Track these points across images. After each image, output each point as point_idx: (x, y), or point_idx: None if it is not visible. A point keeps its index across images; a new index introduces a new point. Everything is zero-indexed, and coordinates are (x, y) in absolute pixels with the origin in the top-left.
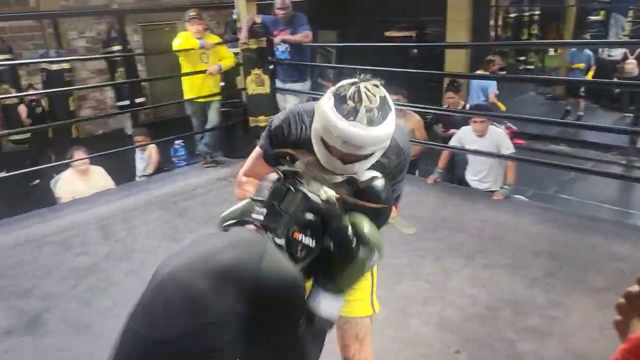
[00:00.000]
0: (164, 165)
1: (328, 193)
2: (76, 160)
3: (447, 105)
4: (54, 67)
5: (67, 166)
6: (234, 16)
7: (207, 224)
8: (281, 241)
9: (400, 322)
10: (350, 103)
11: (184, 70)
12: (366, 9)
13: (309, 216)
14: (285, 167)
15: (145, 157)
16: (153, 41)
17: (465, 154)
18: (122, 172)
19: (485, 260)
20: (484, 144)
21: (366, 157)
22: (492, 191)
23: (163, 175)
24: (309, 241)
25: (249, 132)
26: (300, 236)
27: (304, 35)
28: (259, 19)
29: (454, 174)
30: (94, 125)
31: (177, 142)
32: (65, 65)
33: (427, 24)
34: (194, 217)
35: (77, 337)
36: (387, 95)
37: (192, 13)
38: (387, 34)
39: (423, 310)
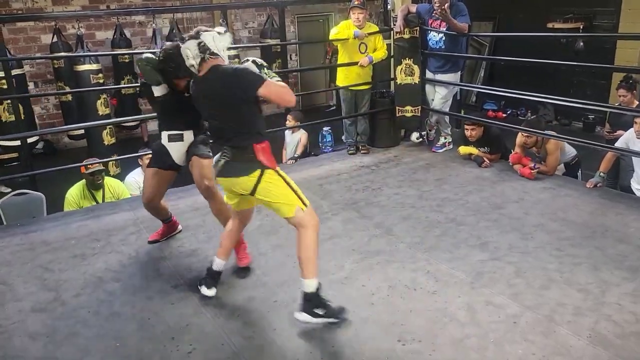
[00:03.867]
0: (312, 150)
1: None
2: None
3: (617, 104)
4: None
5: None
6: (389, 6)
7: (350, 208)
8: None
9: (548, 330)
10: None
11: (340, 59)
12: None
13: None
14: None
15: (295, 141)
16: (307, 32)
17: (631, 160)
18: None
19: None
20: None
21: None
22: None
23: (310, 159)
24: None
25: (394, 121)
26: None
27: (463, 26)
28: (413, 8)
29: (618, 181)
30: None
31: (325, 128)
32: (232, 53)
33: (597, 15)
34: (338, 201)
35: (231, 297)
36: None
37: (356, 2)
38: (550, 25)
39: (574, 320)
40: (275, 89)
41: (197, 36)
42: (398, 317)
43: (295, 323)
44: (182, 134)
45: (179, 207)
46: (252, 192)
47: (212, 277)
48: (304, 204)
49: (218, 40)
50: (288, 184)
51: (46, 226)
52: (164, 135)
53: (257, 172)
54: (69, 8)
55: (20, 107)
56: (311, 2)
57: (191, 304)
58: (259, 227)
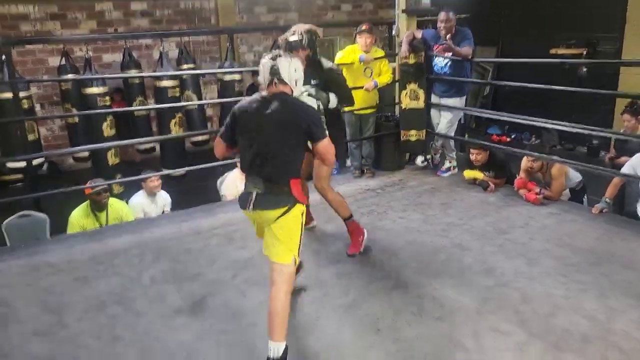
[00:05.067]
0: None
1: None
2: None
3: (623, 129)
4: (227, 77)
5: (233, 167)
6: (394, 32)
7: None
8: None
9: (555, 357)
10: None
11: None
12: (530, 24)
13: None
14: None
15: None
16: None
17: (637, 185)
18: None
19: None
20: None
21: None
22: None
23: None
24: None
25: (399, 145)
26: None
27: (467, 51)
28: (418, 34)
29: (624, 207)
30: None
31: None
32: (237, 77)
33: (600, 41)
34: (341, 224)
35: (233, 324)
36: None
37: (364, 27)
38: (553, 51)
39: (581, 348)
40: (329, 149)
41: (275, 57)
42: (404, 344)
43: (298, 352)
44: None
45: (183, 230)
46: (273, 221)
47: None
48: (297, 259)
49: (294, 69)
50: (302, 231)
51: (49, 248)
52: None
53: (288, 206)
54: (77, 31)
55: (35, 127)
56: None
57: (193, 329)
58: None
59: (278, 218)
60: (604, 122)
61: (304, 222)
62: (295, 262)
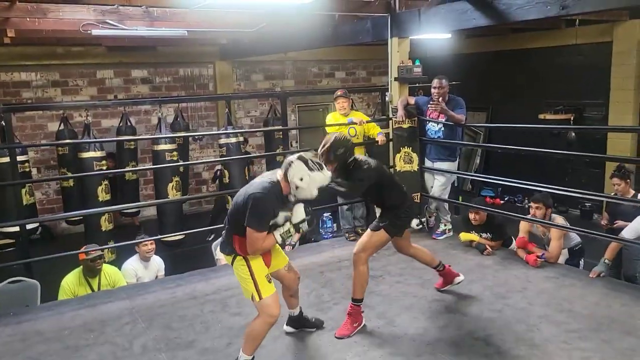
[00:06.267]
0: (312, 236)
1: None
2: None
3: (614, 193)
4: (233, 140)
5: None
6: (387, 98)
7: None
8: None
9: None
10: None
11: None
12: (518, 91)
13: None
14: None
15: None
16: (308, 120)
17: (636, 250)
18: None
19: None
20: None
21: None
22: None
23: (311, 246)
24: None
25: None
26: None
27: (461, 118)
28: (412, 100)
29: (622, 270)
30: None
31: (325, 214)
32: (241, 138)
33: (587, 107)
34: (339, 289)
35: None
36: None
37: (339, 92)
38: (541, 116)
39: None
40: (252, 240)
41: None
42: None
43: None
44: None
45: (177, 296)
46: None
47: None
48: (260, 296)
49: (299, 177)
50: (252, 274)
51: (40, 315)
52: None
53: (232, 255)
54: (78, 98)
55: (24, 192)
56: (311, 93)
57: None
58: None
59: (232, 264)
60: (595, 184)
61: (252, 269)
62: (260, 298)
